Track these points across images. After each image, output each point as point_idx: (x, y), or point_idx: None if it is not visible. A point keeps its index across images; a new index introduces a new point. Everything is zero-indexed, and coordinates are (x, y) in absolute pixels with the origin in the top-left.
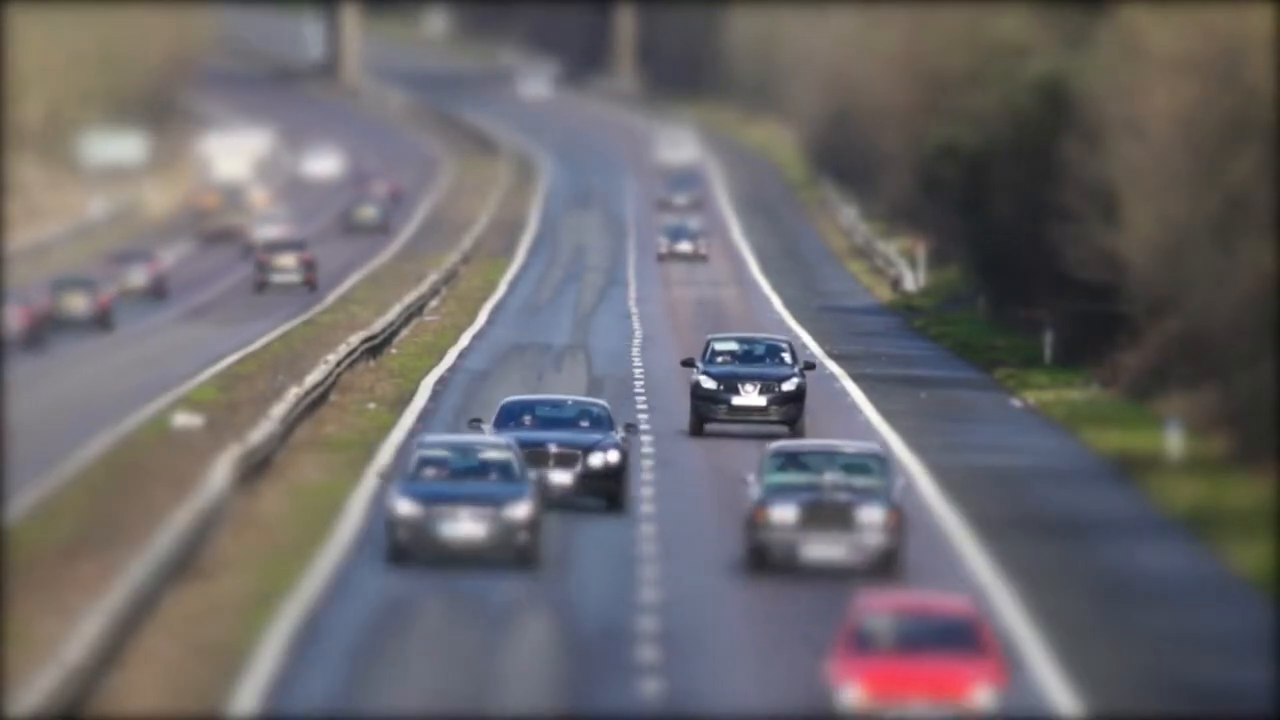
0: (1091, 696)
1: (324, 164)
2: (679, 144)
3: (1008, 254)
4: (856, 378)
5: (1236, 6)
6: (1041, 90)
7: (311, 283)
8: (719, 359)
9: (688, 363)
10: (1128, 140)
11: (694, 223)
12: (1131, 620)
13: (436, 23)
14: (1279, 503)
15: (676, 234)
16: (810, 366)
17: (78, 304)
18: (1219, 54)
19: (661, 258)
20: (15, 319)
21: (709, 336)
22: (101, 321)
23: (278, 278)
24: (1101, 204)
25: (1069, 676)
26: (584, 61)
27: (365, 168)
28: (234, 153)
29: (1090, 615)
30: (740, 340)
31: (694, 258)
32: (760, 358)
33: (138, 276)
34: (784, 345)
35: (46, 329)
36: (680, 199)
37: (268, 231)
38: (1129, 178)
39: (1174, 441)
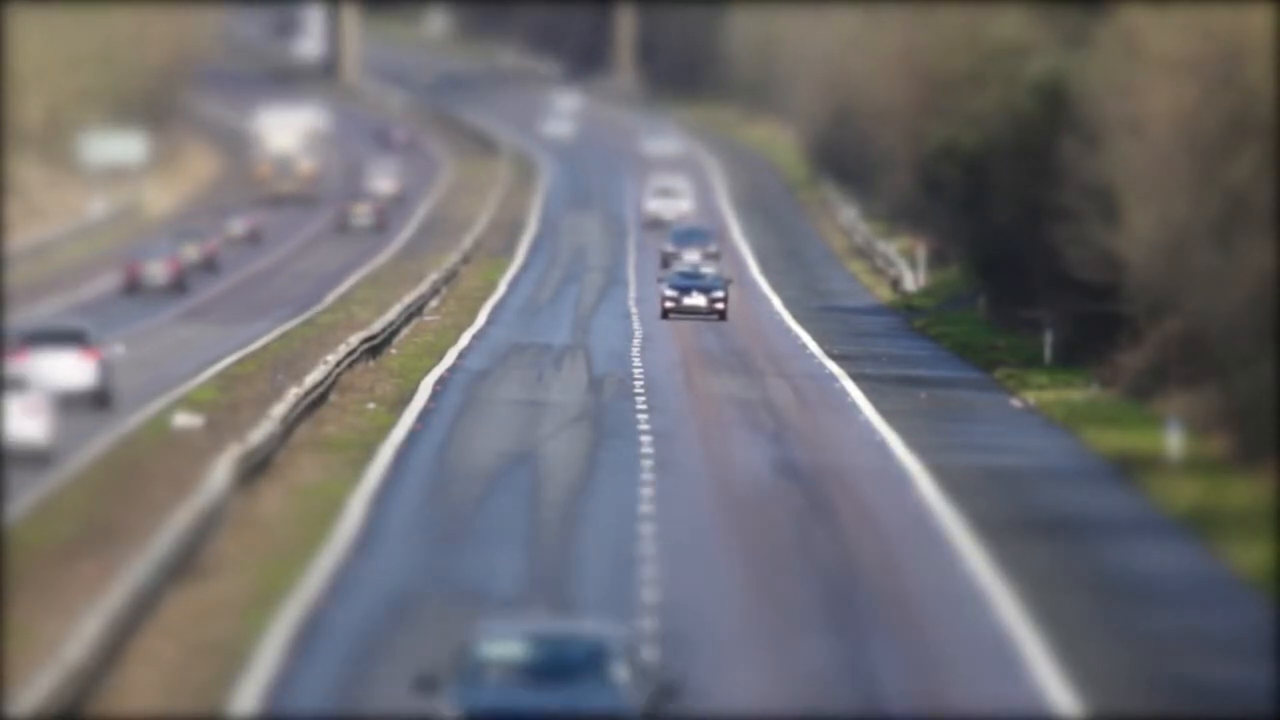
0: (1091, 696)
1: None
2: (674, 194)
3: (1008, 254)
4: (856, 378)
5: (1236, 6)
6: (1041, 90)
7: (382, 226)
8: (491, 674)
9: (425, 683)
10: (1128, 140)
11: (710, 269)
12: (1131, 620)
13: (436, 23)
14: (1279, 503)
15: (686, 284)
16: (669, 692)
17: (191, 253)
18: (1219, 54)
19: (667, 314)
20: (162, 270)
21: (479, 629)
22: (209, 266)
23: (355, 221)
24: (1101, 204)
25: (1069, 676)
26: (584, 61)
27: (386, 122)
28: (285, 127)
29: (1090, 615)
30: (530, 639)
31: (709, 313)
32: (563, 672)
33: (237, 227)
34: (607, 645)
35: (187, 276)
36: (690, 255)
37: (381, 185)
38: (1129, 178)
39: (1174, 441)
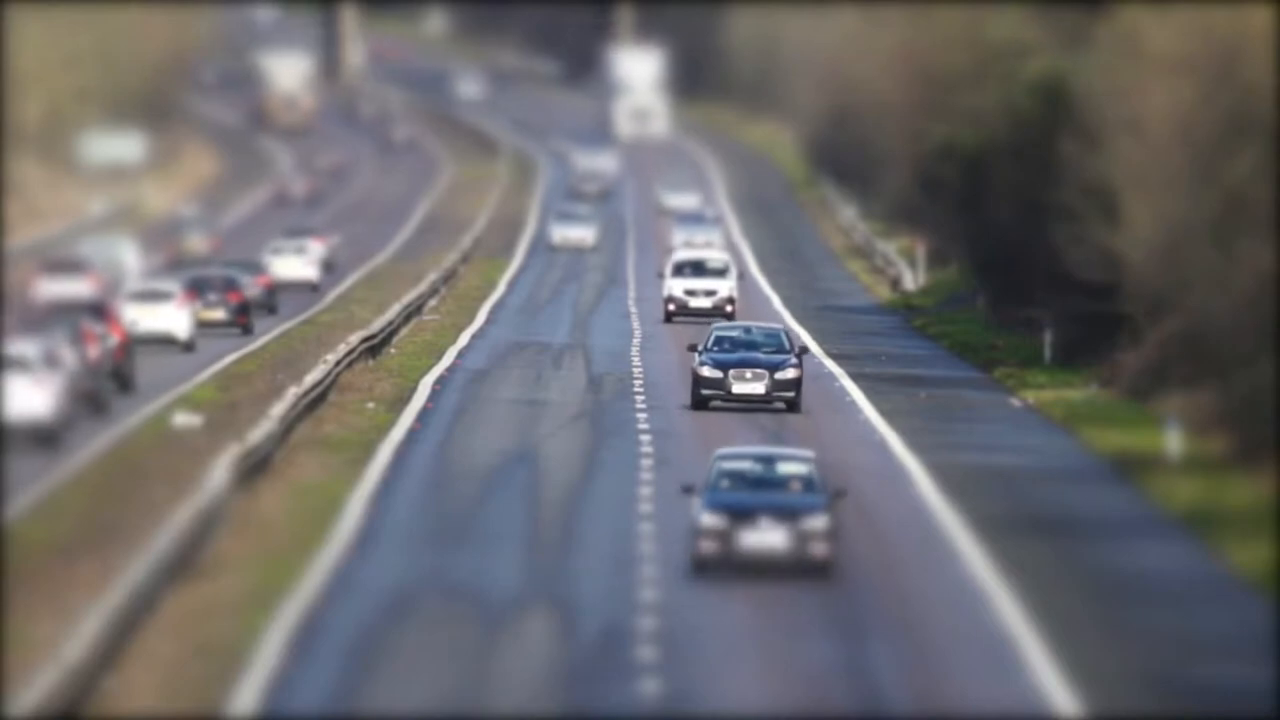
0: (1091, 696)
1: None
2: (708, 271)
3: (1008, 254)
4: (856, 377)
5: (1236, 6)
6: (1041, 90)
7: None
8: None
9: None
10: (1127, 140)
11: (780, 417)
12: (1131, 620)
13: (435, 23)
14: (1279, 503)
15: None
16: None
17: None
18: (1218, 54)
19: (700, 564)
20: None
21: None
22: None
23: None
24: (1101, 203)
25: (1069, 676)
26: (583, 61)
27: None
28: (288, 69)
29: (1090, 614)
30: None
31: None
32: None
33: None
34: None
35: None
36: (746, 385)
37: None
38: (1128, 178)
39: (1173, 441)
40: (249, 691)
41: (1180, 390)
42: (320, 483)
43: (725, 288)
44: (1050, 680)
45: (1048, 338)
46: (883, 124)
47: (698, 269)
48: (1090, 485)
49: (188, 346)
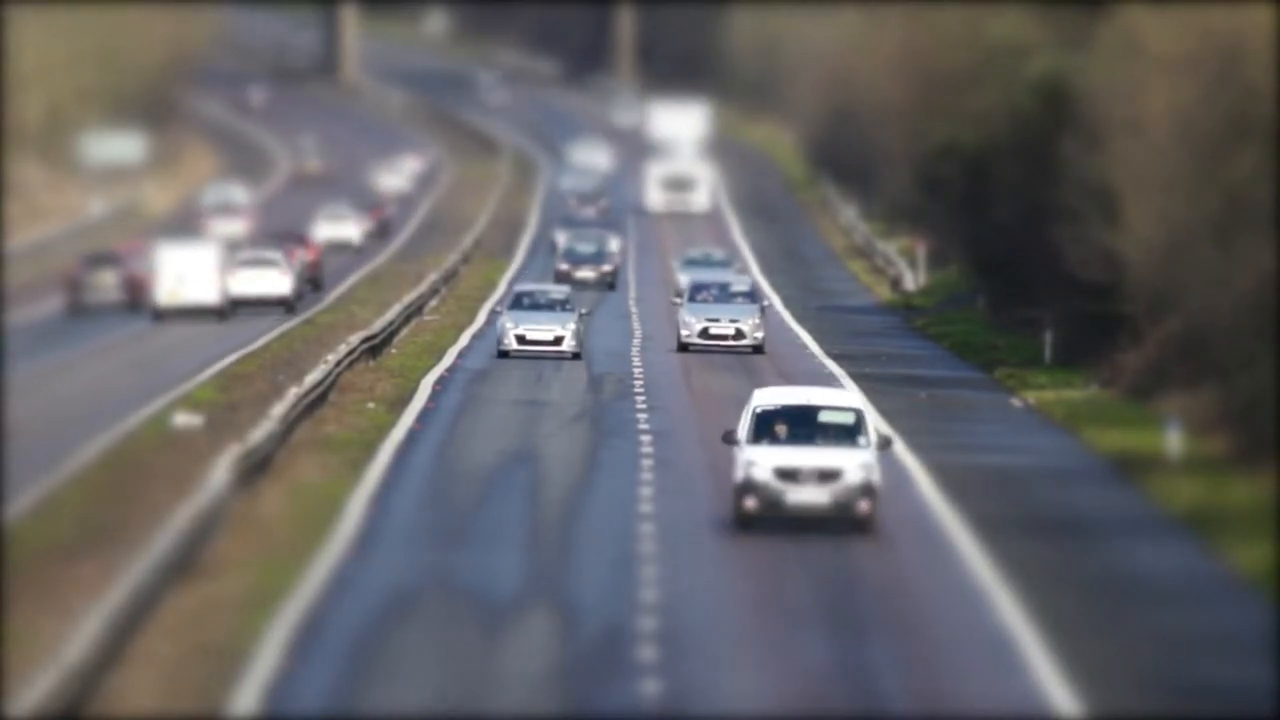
0: (1091, 696)
1: None
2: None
3: (1008, 254)
4: (857, 377)
5: (1236, 6)
6: (1041, 90)
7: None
8: None
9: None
10: (1128, 140)
11: None
12: (1131, 620)
13: (436, 22)
14: (1279, 503)
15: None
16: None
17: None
18: (1218, 54)
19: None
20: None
21: None
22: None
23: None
24: (1101, 203)
25: (1069, 676)
26: (584, 61)
27: None
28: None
29: (1090, 615)
30: None
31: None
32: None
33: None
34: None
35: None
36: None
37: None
38: (1129, 177)
39: (1174, 441)
40: (249, 692)
41: (1180, 390)
42: (321, 483)
43: (858, 466)
44: (1050, 680)
45: (1048, 338)
46: (883, 124)
47: (801, 420)
48: (1091, 485)
49: (359, 250)
